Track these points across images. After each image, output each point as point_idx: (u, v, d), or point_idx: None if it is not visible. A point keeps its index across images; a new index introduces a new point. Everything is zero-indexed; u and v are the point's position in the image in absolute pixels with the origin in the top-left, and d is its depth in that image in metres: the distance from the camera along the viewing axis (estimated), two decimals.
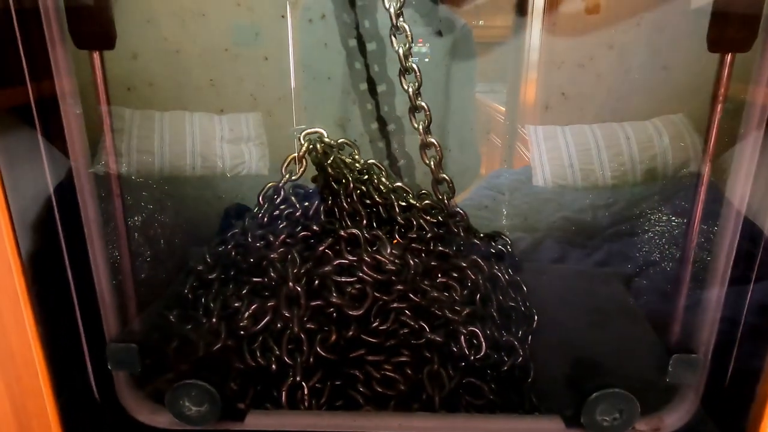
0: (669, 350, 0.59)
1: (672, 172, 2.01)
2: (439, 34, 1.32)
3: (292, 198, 0.94)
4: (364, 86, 1.31)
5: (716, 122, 0.60)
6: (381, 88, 1.31)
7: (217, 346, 0.75)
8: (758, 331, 0.60)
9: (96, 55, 0.53)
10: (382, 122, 1.30)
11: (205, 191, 2.03)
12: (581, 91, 1.82)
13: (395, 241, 0.87)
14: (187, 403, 0.60)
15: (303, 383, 0.75)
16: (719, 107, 0.58)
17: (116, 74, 0.62)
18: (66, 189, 0.60)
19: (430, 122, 0.93)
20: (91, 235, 0.54)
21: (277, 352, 0.76)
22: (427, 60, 1.31)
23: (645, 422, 0.61)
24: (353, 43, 1.30)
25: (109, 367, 0.59)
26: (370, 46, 1.29)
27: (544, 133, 2.18)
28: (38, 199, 0.85)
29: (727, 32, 0.53)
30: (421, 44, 1.33)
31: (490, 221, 1.78)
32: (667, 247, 1.43)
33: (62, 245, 0.53)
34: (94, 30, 0.50)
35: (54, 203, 0.56)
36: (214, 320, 0.78)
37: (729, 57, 0.55)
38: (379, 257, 0.82)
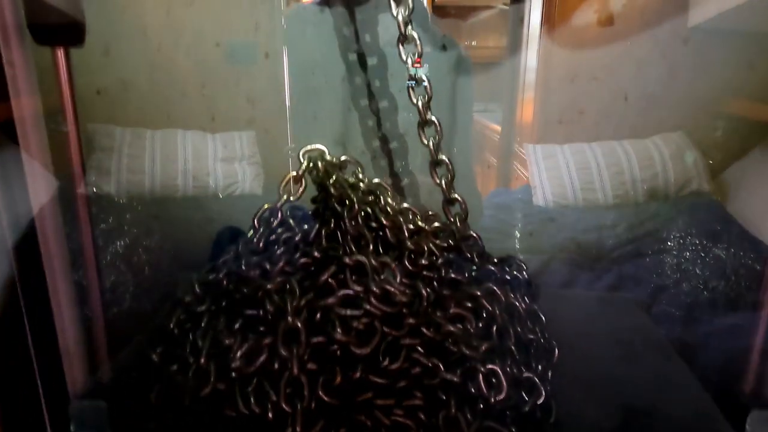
0: (742, 404, 0.50)
1: (675, 191, 1.95)
2: (444, 48, 1.24)
3: (291, 221, 0.84)
4: (365, 102, 1.22)
5: None
6: (383, 104, 1.22)
7: (205, 391, 0.64)
8: None
9: (60, 52, 0.43)
10: (384, 139, 1.21)
11: (195, 212, 1.92)
12: (597, 106, 1.75)
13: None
14: None
15: None
16: None
17: (82, 73, 0.52)
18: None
19: (441, 138, 0.84)
20: (51, 265, 0.44)
21: (274, 398, 0.66)
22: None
23: None
24: (353, 57, 1.22)
25: (72, 430, 0.48)
26: (371, 60, 1.21)
27: (542, 152, 2.12)
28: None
29: None
30: (418, 65, 1.25)
31: (493, 242, 1.70)
32: (683, 269, 1.35)
33: (16, 278, 0.43)
34: (59, 22, 0.41)
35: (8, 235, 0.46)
36: (202, 360, 0.67)
37: None
38: (389, 287, 0.72)
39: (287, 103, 1.71)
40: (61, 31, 0.42)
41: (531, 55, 2.13)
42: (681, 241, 1.58)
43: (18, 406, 0.46)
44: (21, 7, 0.40)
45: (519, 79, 2.32)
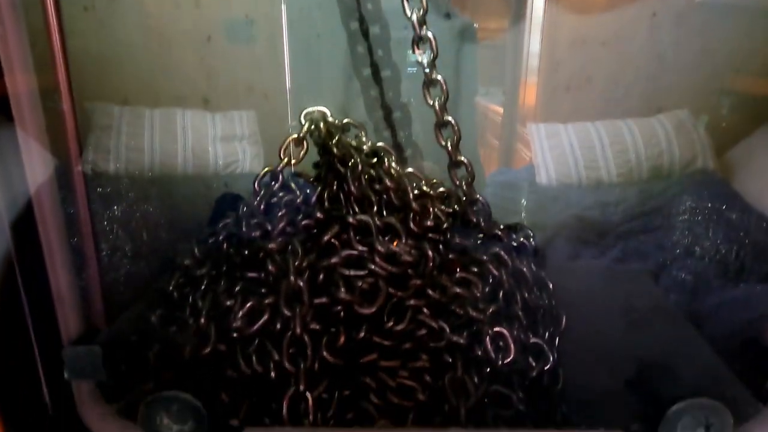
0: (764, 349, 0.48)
1: (679, 168, 1.92)
2: (447, 16, 1.21)
3: (292, 184, 0.82)
4: (367, 71, 1.19)
5: None
6: (385, 74, 1.19)
7: (205, 351, 0.62)
8: None
9: None
10: (387, 109, 1.18)
11: (196, 190, 1.89)
12: (606, 72, 1.70)
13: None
14: (165, 420, 0.47)
15: (307, 393, 0.62)
16: None
17: None
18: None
19: (447, 99, 0.82)
20: (42, 211, 0.41)
21: (277, 358, 0.64)
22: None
23: None
24: (355, 26, 1.18)
25: (65, 375, 0.46)
26: (374, 29, 1.18)
27: (546, 131, 2.08)
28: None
29: None
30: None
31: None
32: (687, 245, 1.32)
33: (4, 220, 0.41)
34: None
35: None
36: (202, 321, 0.65)
37: None
38: (394, 247, 0.70)
39: (287, 83, 1.68)
40: None
41: (534, 38, 2.10)
42: (685, 217, 1.55)
43: (10, 354, 0.44)
44: None
45: (522, 58, 2.29)
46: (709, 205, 1.49)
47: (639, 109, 1.63)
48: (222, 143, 2.07)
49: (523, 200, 1.68)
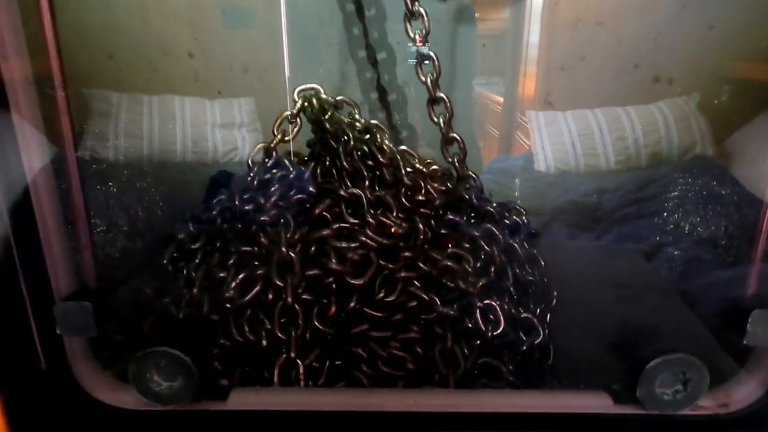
0: (745, 308, 0.48)
1: (678, 155, 1.92)
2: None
3: (285, 161, 0.83)
4: (362, 53, 1.20)
5: None
6: (381, 56, 1.20)
7: (197, 315, 0.63)
8: None
9: None
10: (382, 91, 1.19)
11: (194, 177, 1.90)
12: (600, 51, 1.69)
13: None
14: (155, 377, 0.48)
15: (298, 361, 0.63)
16: None
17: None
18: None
19: (439, 75, 0.82)
20: (33, 174, 0.42)
21: (269, 326, 0.65)
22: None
23: (709, 398, 0.50)
24: (350, 7, 1.19)
25: (57, 330, 0.47)
26: (369, 11, 1.18)
27: (545, 119, 2.09)
28: None
29: None
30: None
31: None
32: (682, 229, 1.33)
33: None
34: None
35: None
36: (195, 290, 0.66)
37: None
38: (385, 220, 0.71)
39: (287, 72, 1.68)
40: None
41: (534, 28, 2.10)
42: (682, 202, 1.55)
43: (2, 310, 0.45)
44: None
45: (522, 49, 2.29)
46: (705, 191, 1.50)
47: (631, 87, 1.64)
48: (221, 130, 2.08)
49: (516, 180, 1.68)
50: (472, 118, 1.39)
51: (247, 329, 0.65)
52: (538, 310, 0.82)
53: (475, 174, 0.86)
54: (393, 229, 0.70)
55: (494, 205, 0.90)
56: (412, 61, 1.16)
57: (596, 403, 0.52)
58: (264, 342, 0.64)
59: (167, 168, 1.90)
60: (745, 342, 0.48)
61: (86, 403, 0.49)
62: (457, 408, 0.55)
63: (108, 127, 1.94)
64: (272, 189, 0.77)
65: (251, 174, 0.80)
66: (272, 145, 0.83)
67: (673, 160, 1.96)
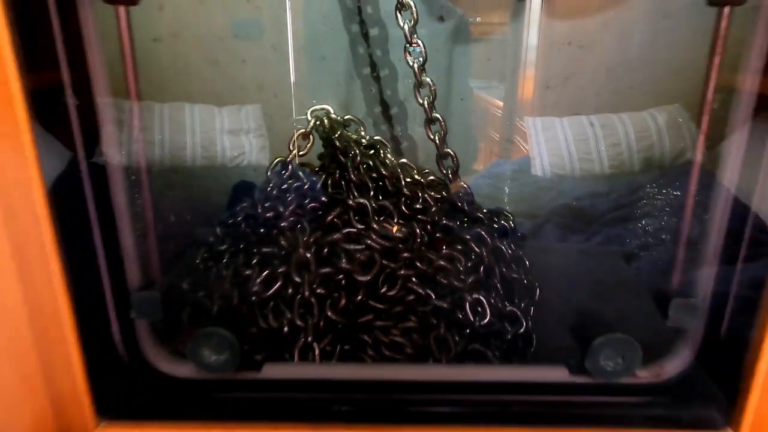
0: (669, 296, 0.63)
1: (669, 161, 2.07)
2: (441, 19, 1.36)
3: (300, 172, 0.97)
4: (367, 71, 1.35)
5: (713, 80, 0.64)
6: (384, 73, 1.35)
7: (231, 306, 0.78)
8: (753, 281, 0.64)
9: (122, 10, 0.57)
10: (385, 106, 1.33)
11: (205, 181, 2.05)
12: (582, 72, 1.86)
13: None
14: (206, 352, 0.63)
15: (314, 344, 0.78)
16: (717, 62, 0.62)
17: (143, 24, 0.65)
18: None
19: (434, 98, 0.97)
20: (115, 188, 0.57)
21: (289, 315, 0.80)
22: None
23: (646, 370, 0.65)
24: (356, 28, 1.34)
25: (132, 315, 0.62)
26: (373, 31, 1.33)
27: (542, 125, 2.23)
28: None
29: None
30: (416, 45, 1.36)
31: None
32: (668, 231, 1.47)
33: (88, 200, 0.57)
34: None
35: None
36: (226, 286, 0.81)
37: (727, 10, 0.59)
38: (387, 225, 0.85)
39: (292, 77, 1.83)
40: None
41: (533, 30, 2.24)
42: (670, 206, 1.70)
43: (89, 302, 0.60)
44: None
45: (521, 54, 2.43)
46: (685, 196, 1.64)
47: (608, 106, 1.80)
48: (229, 136, 2.23)
49: (506, 188, 1.83)
50: (470, 125, 1.53)
51: (271, 318, 0.80)
52: (522, 304, 0.96)
53: (466, 184, 1.00)
54: (395, 228, 0.84)
55: (484, 211, 1.05)
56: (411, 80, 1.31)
57: (556, 373, 0.67)
58: (285, 328, 0.79)
59: (180, 172, 2.05)
60: (668, 324, 0.63)
61: (151, 373, 0.64)
62: (443, 377, 0.70)
63: (121, 134, 2.08)
64: (289, 198, 0.92)
65: (270, 185, 0.95)
66: (288, 159, 0.98)
67: (665, 166, 2.11)
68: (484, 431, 0.66)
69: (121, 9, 0.57)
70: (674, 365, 0.65)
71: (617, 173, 2.10)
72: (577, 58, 1.78)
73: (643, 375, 0.65)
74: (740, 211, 0.81)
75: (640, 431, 0.65)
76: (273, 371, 0.68)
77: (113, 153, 0.61)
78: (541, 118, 2.32)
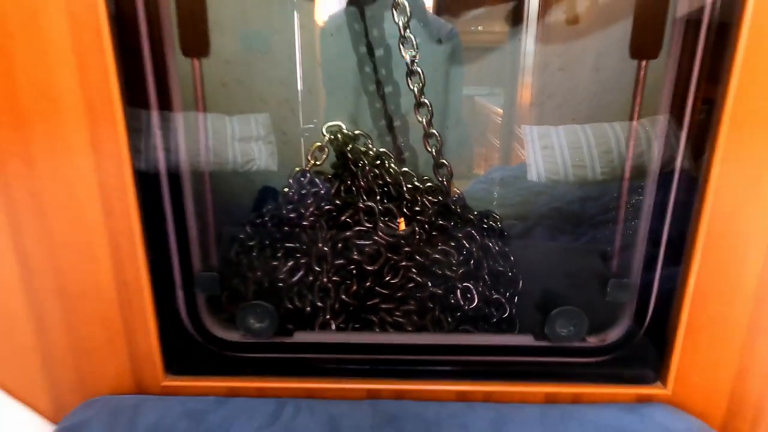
0: (608, 278, 0.84)
1: (659, 168, 2.27)
2: (439, 42, 1.57)
3: (317, 180, 1.18)
4: (372, 87, 1.56)
5: (636, 113, 0.85)
6: (388, 89, 1.56)
7: (261, 290, 0.99)
8: (674, 261, 0.84)
9: (196, 62, 0.78)
10: (389, 119, 1.55)
11: (219, 185, 2.26)
12: (561, 92, 2.08)
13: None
14: (251, 320, 0.83)
15: (331, 322, 0.99)
16: (639, 101, 0.83)
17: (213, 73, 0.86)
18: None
19: (432, 116, 1.18)
20: (185, 197, 0.79)
21: (310, 298, 1.01)
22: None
23: (595, 337, 0.86)
24: (363, 49, 1.55)
25: (196, 290, 0.83)
26: (378, 52, 1.55)
27: (538, 133, 2.44)
28: None
29: (642, 42, 0.78)
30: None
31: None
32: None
33: (165, 203, 0.78)
34: (197, 41, 0.75)
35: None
36: (259, 274, 1.02)
37: (644, 63, 0.80)
38: (391, 224, 1.06)
39: (299, 87, 2.05)
40: (197, 47, 0.76)
41: (530, 40, 2.46)
42: (655, 210, 1.89)
43: (162, 279, 0.81)
44: (176, 35, 0.75)
45: (519, 63, 2.64)
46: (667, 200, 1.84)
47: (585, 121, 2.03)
48: (240, 143, 2.45)
49: (495, 193, 2.04)
50: (464, 138, 1.75)
51: (296, 300, 1.01)
52: (507, 293, 1.17)
53: (459, 190, 1.21)
54: (401, 220, 1.06)
55: (475, 213, 1.26)
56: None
57: (524, 340, 0.87)
58: (308, 309, 1.00)
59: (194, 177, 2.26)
60: (607, 299, 0.83)
61: (208, 337, 0.85)
62: (432, 342, 0.91)
63: (140, 142, 2.30)
64: (309, 201, 1.13)
65: (292, 190, 1.16)
66: (307, 168, 1.19)
67: (654, 172, 2.31)
68: (469, 385, 0.87)
69: (195, 60, 0.78)
70: (616, 332, 0.85)
71: (608, 179, 2.31)
72: (558, 81, 2.01)
73: (592, 340, 0.85)
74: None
75: (591, 385, 0.85)
76: (302, 337, 0.89)
77: (185, 166, 0.82)
78: (537, 126, 2.53)
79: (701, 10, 0.72)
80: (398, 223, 1.11)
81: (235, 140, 2.44)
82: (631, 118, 0.88)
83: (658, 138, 0.84)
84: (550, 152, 2.40)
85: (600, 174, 2.38)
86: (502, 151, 2.82)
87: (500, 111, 2.85)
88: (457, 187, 1.27)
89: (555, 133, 2.46)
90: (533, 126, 2.54)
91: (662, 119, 0.82)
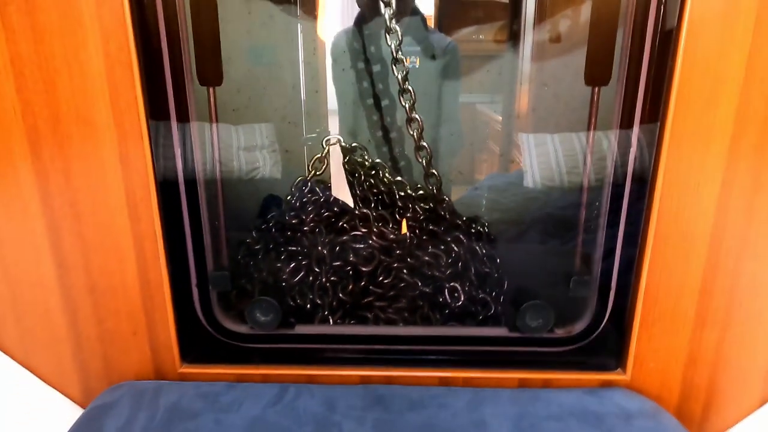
0: (570, 275, 0.98)
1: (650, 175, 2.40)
2: (433, 57, 1.72)
3: (317, 188, 1.33)
4: (370, 101, 1.71)
5: (592, 135, 0.99)
6: (384, 103, 1.71)
7: (266, 289, 1.13)
8: (629, 260, 0.98)
9: (211, 90, 0.93)
10: (385, 131, 1.69)
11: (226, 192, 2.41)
12: (543, 105, 2.23)
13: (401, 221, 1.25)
14: (258, 313, 0.98)
15: (330, 317, 1.13)
16: (593, 121, 0.97)
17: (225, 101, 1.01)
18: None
19: (422, 130, 1.32)
20: (200, 204, 0.93)
21: (310, 296, 1.15)
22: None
23: (562, 329, 0.99)
24: (361, 65, 1.70)
25: (210, 287, 0.98)
26: (375, 68, 1.70)
27: (535, 140, 2.58)
28: None
29: (595, 71, 0.92)
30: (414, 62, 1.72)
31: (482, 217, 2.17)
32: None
33: (183, 210, 0.93)
34: (211, 72, 0.90)
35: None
36: (264, 274, 1.16)
37: (597, 89, 0.94)
38: (384, 229, 1.21)
39: (302, 97, 2.20)
40: (212, 78, 0.91)
41: (527, 48, 2.60)
42: (611, 214, 2.03)
43: (180, 278, 0.96)
44: (194, 66, 0.90)
45: (518, 71, 2.78)
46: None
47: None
48: (245, 152, 2.60)
49: (483, 201, 2.18)
50: (459, 147, 1.89)
51: (297, 298, 1.15)
52: (493, 293, 1.31)
53: (447, 197, 1.35)
54: (403, 221, 1.20)
55: (463, 218, 1.40)
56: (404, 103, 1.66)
57: (500, 331, 1.01)
58: (308, 306, 1.14)
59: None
60: (570, 295, 0.97)
61: (220, 329, 1.00)
62: (418, 333, 1.05)
63: (161, 157, 2.46)
64: (310, 209, 1.28)
65: (294, 198, 1.31)
66: (308, 177, 1.33)
67: (645, 179, 2.44)
68: (451, 371, 1.00)
69: (210, 89, 0.93)
70: (581, 324, 0.99)
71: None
72: (542, 94, 2.17)
73: (559, 331, 0.99)
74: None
75: (559, 372, 0.99)
76: (302, 329, 1.03)
77: (200, 177, 0.97)
78: (533, 134, 2.67)
79: (642, 48, 0.87)
80: (401, 224, 1.26)
81: (240, 149, 2.60)
82: (587, 134, 1.01)
83: (610, 151, 0.97)
84: (546, 159, 2.54)
85: (567, 182, 2.53)
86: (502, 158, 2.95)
87: (499, 118, 2.99)
88: (454, 194, 1.41)
89: (551, 141, 2.60)
90: (529, 134, 2.68)
91: (614, 135, 0.96)
